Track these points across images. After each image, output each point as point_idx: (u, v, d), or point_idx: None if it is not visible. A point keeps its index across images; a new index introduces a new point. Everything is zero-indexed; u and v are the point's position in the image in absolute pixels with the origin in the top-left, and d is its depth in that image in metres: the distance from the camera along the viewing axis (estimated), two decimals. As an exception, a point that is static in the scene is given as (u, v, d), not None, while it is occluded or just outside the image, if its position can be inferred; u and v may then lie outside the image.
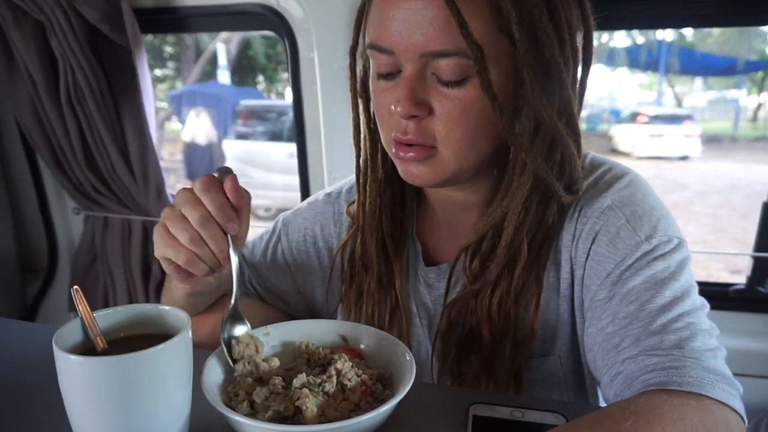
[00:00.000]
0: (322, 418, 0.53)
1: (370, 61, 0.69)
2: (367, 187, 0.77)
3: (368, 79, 0.72)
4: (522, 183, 0.66)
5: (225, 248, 0.62)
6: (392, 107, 0.64)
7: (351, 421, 0.50)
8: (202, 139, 5.68)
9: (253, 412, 0.55)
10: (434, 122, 0.64)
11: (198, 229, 0.61)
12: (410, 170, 0.67)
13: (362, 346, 0.67)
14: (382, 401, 0.57)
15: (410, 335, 0.79)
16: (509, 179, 0.68)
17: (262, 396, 0.56)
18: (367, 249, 0.78)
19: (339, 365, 0.58)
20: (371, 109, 0.73)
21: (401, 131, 0.65)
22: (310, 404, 0.53)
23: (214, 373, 0.59)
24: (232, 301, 0.64)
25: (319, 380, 0.57)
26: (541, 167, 0.65)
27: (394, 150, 0.67)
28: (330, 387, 0.56)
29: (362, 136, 0.75)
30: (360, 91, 0.73)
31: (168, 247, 0.63)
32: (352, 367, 0.59)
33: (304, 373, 0.57)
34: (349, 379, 0.58)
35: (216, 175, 0.63)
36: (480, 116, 0.63)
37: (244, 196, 0.63)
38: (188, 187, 0.64)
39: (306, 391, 0.54)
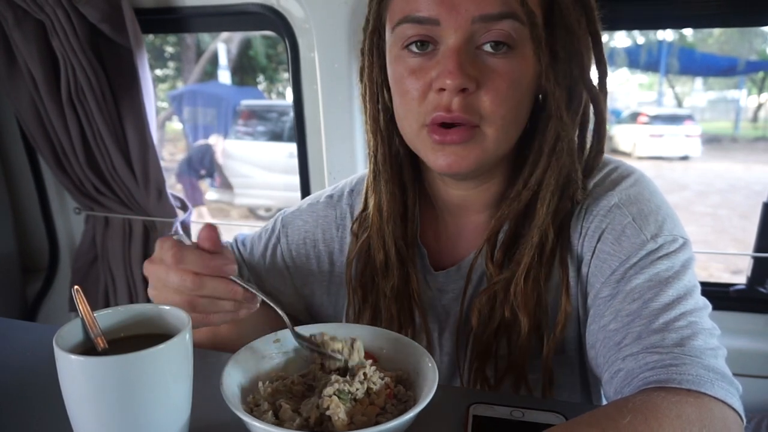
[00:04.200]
0: (351, 425, 0.52)
1: (392, 46, 0.67)
2: (382, 186, 0.75)
3: (373, 73, 0.71)
4: (555, 161, 0.66)
5: (236, 290, 0.60)
6: (436, 82, 0.62)
7: (385, 426, 0.49)
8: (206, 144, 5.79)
9: (279, 422, 0.54)
10: (481, 97, 0.62)
11: (192, 298, 0.59)
12: (445, 156, 0.65)
13: (376, 349, 0.66)
14: (405, 402, 0.56)
15: (422, 341, 0.78)
16: (534, 161, 0.68)
17: (287, 405, 0.55)
18: (386, 253, 0.76)
19: (366, 369, 0.57)
20: (378, 106, 0.72)
21: (444, 108, 0.62)
22: (341, 414, 0.52)
23: (232, 381, 0.57)
24: (286, 320, 0.62)
25: (353, 387, 0.55)
26: (570, 132, 0.66)
27: (428, 135, 0.65)
28: (361, 393, 0.55)
29: (381, 128, 0.73)
30: (378, 80, 0.72)
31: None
32: (375, 370, 0.58)
33: (336, 383, 0.55)
34: (374, 383, 0.57)
35: (176, 237, 0.61)
36: (524, 91, 0.64)
37: (220, 238, 0.61)
38: (156, 262, 0.61)
39: (336, 399, 0.53)
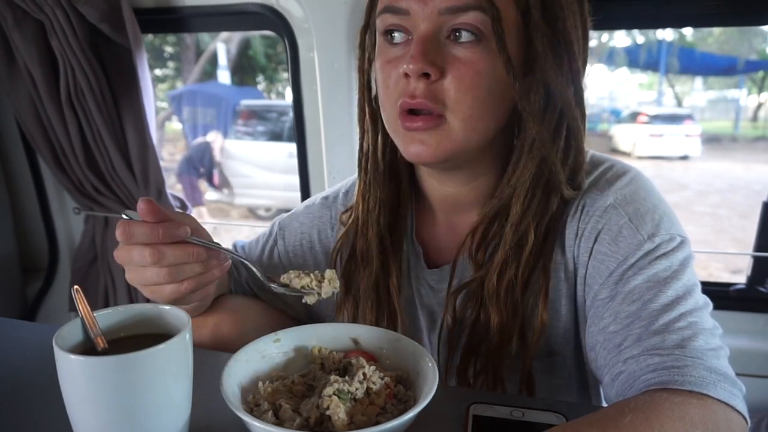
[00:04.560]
0: (351, 424, 0.52)
1: (377, 38, 0.69)
2: (368, 177, 0.76)
3: (371, 68, 0.72)
4: (530, 159, 0.67)
5: (197, 251, 0.61)
6: (402, 68, 0.63)
7: (385, 426, 0.49)
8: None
9: (279, 422, 0.54)
10: (445, 86, 0.63)
11: (159, 269, 0.59)
12: (414, 144, 0.66)
13: (376, 349, 0.66)
14: (405, 402, 0.56)
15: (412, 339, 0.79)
16: (516, 159, 0.68)
17: (287, 405, 0.55)
18: (367, 241, 0.77)
19: (366, 369, 0.58)
20: (372, 99, 0.73)
21: (409, 95, 0.64)
22: (341, 414, 0.52)
23: (232, 382, 0.57)
24: (255, 271, 0.66)
25: (352, 387, 0.55)
26: (547, 144, 0.65)
27: (399, 122, 0.66)
28: (360, 393, 0.55)
29: (366, 120, 0.75)
30: (368, 72, 0.73)
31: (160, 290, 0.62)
32: (375, 370, 0.58)
33: (336, 383, 0.55)
34: (374, 383, 0.57)
35: (125, 216, 0.61)
36: (492, 84, 0.63)
37: (160, 208, 0.61)
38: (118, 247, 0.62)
39: (336, 399, 0.53)
